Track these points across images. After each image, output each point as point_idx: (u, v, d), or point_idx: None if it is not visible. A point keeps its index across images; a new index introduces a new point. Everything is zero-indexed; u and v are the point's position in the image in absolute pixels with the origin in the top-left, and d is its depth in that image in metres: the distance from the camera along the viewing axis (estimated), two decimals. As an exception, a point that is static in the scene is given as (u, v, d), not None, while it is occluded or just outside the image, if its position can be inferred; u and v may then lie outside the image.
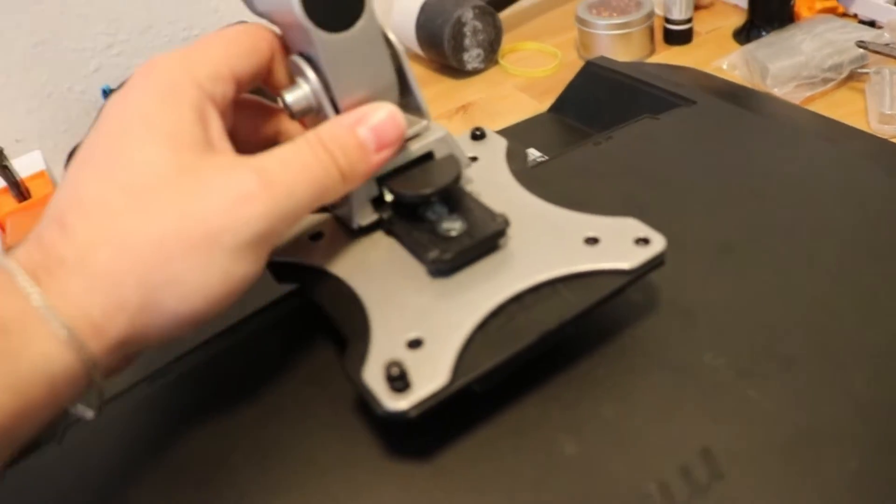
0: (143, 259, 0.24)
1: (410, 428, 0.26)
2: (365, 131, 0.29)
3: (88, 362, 0.24)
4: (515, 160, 0.36)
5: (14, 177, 0.69)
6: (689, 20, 0.81)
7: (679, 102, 0.47)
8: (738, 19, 0.83)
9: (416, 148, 0.31)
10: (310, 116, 0.31)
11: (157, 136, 0.26)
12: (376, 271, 0.31)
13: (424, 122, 0.32)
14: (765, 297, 0.32)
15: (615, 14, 0.80)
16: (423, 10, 0.82)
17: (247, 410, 0.29)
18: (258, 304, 0.34)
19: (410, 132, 0.31)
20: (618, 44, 0.79)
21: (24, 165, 0.73)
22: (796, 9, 0.79)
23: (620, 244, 0.29)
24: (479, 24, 0.81)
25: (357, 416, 0.29)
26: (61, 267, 0.24)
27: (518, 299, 0.28)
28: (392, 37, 0.31)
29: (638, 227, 0.29)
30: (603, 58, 0.56)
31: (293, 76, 0.31)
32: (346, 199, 0.31)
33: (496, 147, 0.37)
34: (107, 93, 0.79)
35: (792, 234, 0.35)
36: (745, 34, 0.80)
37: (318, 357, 0.31)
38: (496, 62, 0.85)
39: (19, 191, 0.70)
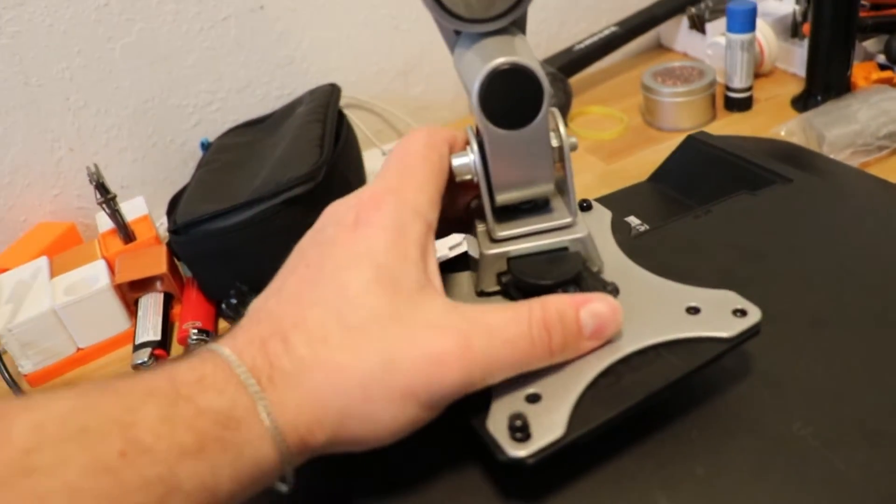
0: (347, 394, 0.27)
1: (518, 473, 0.27)
2: (587, 315, 0.29)
3: (289, 464, 0.27)
4: (619, 230, 0.37)
5: (123, 220, 0.75)
6: (749, 88, 0.85)
7: (775, 179, 0.48)
8: (795, 87, 0.87)
9: (554, 242, 0.33)
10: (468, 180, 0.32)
11: (381, 278, 0.28)
12: None
13: (569, 219, 0.34)
14: (854, 372, 0.33)
15: (679, 82, 0.84)
16: (497, 75, 0.87)
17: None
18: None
19: (556, 224, 0.34)
20: (681, 110, 0.84)
21: (130, 209, 0.79)
22: (853, 78, 0.82)
23: (720, 314, 0.31)
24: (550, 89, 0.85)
25: (465, 459, 0.31)
26: (282, 378, 0.27)
27: (626, 361, 0.30)
28: (564, 133, 0.32)
29: (736, 300, 0.31)
30: (703, 132, 0.58)
31: (467, 141, 0.33)
32: (475, 264, 0.34)
33: (602, 218, 0.39)
34: (204, 145, 0.86)
35: (883, 313, 0.36)
36: (802, 102, 0.83)
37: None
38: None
39: (126, 233, 0.75)
